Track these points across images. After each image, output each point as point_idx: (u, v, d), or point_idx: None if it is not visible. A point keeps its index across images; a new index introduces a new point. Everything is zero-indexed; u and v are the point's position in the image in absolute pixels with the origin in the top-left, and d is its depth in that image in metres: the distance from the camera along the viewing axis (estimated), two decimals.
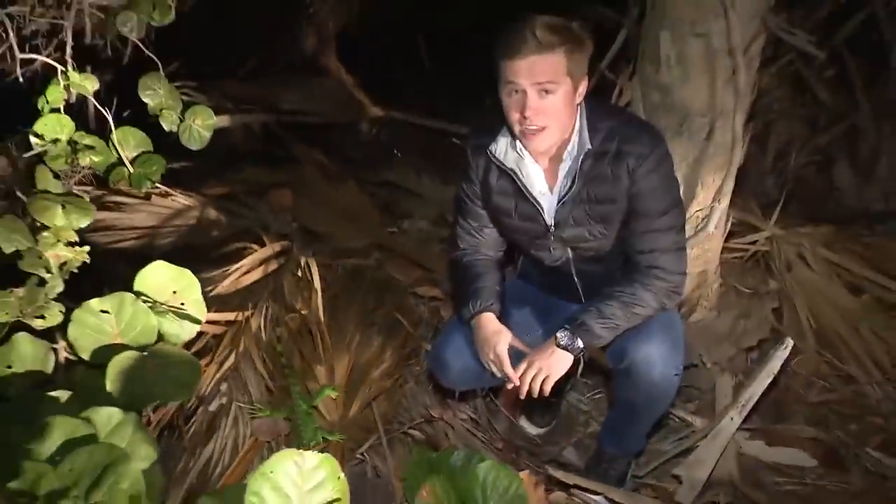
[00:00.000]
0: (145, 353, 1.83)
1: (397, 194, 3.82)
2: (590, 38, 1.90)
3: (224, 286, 2.65)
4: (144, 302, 1.91)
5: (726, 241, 2.88)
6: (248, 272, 2.74)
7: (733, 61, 2.37)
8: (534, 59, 1.81)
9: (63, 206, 1.92)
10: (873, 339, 2.83)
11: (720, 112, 2.46)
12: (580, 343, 1.98)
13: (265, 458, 2.05)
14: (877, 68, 3.80)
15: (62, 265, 1.88)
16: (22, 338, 1.78)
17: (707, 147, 2.51)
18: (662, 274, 2.01)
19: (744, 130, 2.50)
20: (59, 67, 2.05)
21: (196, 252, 2.94)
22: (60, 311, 1.80)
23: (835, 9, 3.59)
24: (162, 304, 1.95)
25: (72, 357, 1.85)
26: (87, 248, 1.91)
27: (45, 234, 1.88)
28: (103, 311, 1.84)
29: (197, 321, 2.00)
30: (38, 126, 2.02)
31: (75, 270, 1.90)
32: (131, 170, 2.15)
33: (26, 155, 2.05)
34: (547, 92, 1.85)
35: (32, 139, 2.02)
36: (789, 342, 2.38)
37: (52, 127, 2.04)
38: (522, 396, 2.02)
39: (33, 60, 2.09)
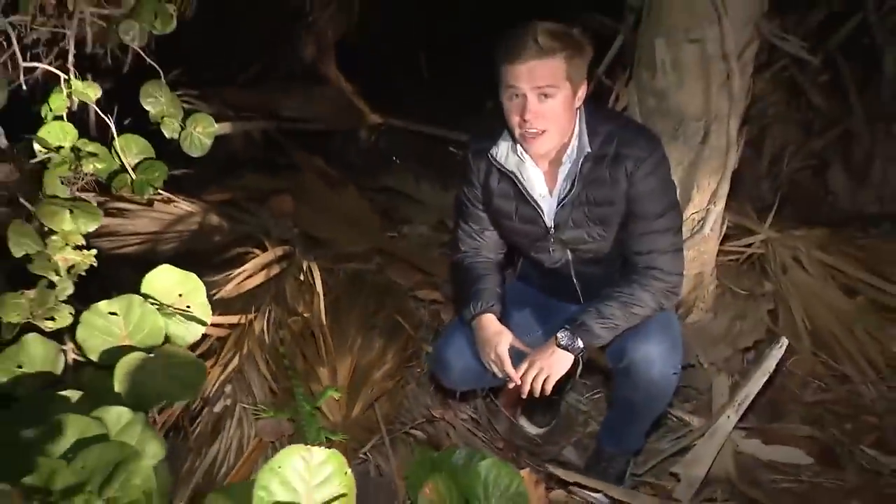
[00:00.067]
0: (152, 355, 1.85)
1: (397, 200, 3.86)
2: (589, 43, 1.95)
3: (227, 290, 2.68)
4: (151, 304, 1.94)
5: (722, 243, 2.92)
6: (250, 276, 2.76)
7: (727, 66, 2.42)
8: (534, 63, 1.85)
9: (71, 211, 1.95)
10: (867, 340, 2.87)
11: (715, 116, 2.50)
12: (580, 343, 2.01)
13: (270, 457, 2.07)
14: (869, 73, 3.85)
15: (70, 268, 1.90)
16: (32, 339, 1.79)
17: (702, 151, 2.55)
18: (660, 274, 2.05)
19: (738, 134, 2.54)
20: (62, 76, 2.07)
21: (198, 257, 2.96)
22: (70, 313, 1.82)
23: (827, 15, 3.63)
24: (168, 306, 1.98)
25: (80, 358, 1.87)
26: (94, 251, 1.94)
27: (53, 237, 1.90)
28: (111, 313, 1.86)
29: (203, 323, 2.02)
30: (42, 133, 2.04)
31: (83, 274, 1.93)
32: (134, 176, 2.17)
33: (32, 161, 2.07)
34: (546, 96, 1.89)
35: (36, 146, 2.04)
36: (784, 341, 2.41)
37: (56, 134, 2.06)
38: (524, 396, 2.05)
39: (36, 69, 2.12)
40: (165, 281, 2.01)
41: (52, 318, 1.81)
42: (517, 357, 2.08)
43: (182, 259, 2.74)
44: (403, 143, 4.45)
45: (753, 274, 3.08)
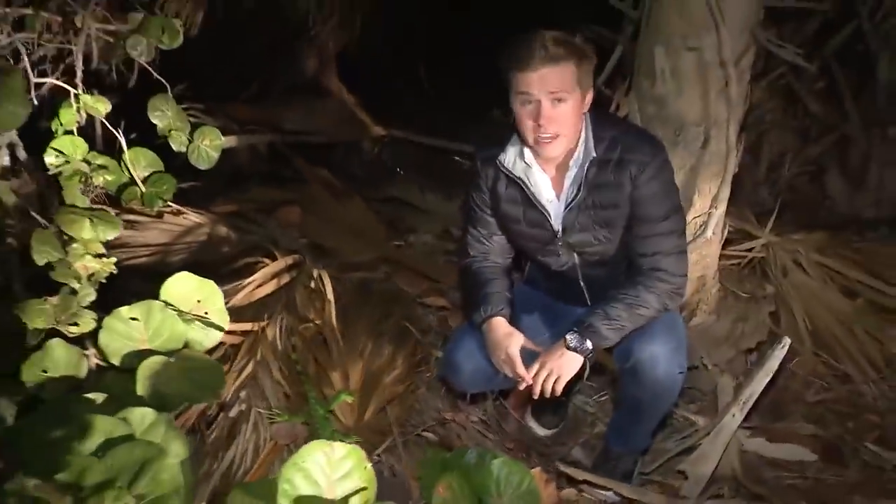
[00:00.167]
0: (172, 359, 1.90)
1: (402, 210, 3.90)
2: (592, 50, 2.01)
3: (238, 299, 2.71)
4: (170, 310, 1.98)
5: (724, 248, 2.97)
6: (261, 285, 2.80)
7: (725, 73, 2.47)
8: (545, 70, 1.90)
9: (91, 220, 2.00)
10: (867, 340, 2.91)
11: (714, 122, 2.55)
12: (589, 344, 2.05)
13: (285, 460, 2.11)
14: (865, 79, 3.89)
15: (90, 276, 1.95)
16: (56, 344, 1.84)
17: (703, 156, 2.60)
18: (665, 276, 2.10)
19: (737, 140, 2.59)
20: (72, 91, 2.11)
21: (208, 267, 2.97)
22: (93, 319, 1.86)
23: (822, 22, 3.66)
24: (187, 312, 2.02)
25: (102, 363, 1.91)
26: (113, 259, 1.98)
27: (74, 245, 1.95)
28: (132, 319, 1.91)
29: (220, 329, 2.06)
30: (54, 147, 2.09)
31: (103, 281, 1.97)
32: (143, 189, 2.20)
33: (49, 174, 2.12)
34: (559, 101, 1.94)
35: (47, 160, 2.07)
36: (787, 341, 2.45)
37: (67, 148, 2.09)
38: (535, 396, 2.10)
39: (44, 84, 2.16)
40: (183, 287, 2.05)
41: (76, 324, 1.85)
42: (527, 359, 2.12)
43: (192, 269, 2.75)
44: (406, 154, 4.49)
45: (755, 277, 3.13)
